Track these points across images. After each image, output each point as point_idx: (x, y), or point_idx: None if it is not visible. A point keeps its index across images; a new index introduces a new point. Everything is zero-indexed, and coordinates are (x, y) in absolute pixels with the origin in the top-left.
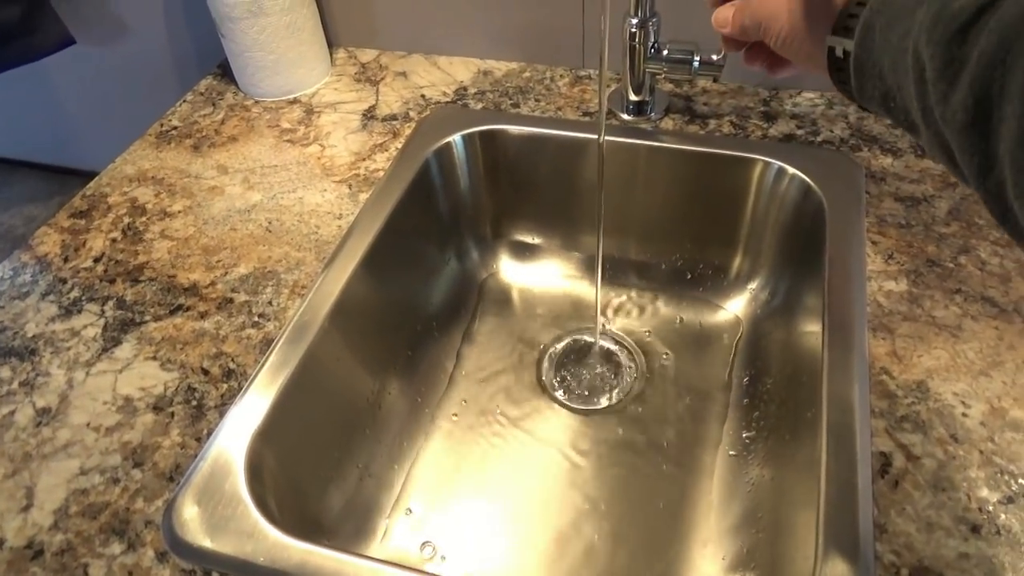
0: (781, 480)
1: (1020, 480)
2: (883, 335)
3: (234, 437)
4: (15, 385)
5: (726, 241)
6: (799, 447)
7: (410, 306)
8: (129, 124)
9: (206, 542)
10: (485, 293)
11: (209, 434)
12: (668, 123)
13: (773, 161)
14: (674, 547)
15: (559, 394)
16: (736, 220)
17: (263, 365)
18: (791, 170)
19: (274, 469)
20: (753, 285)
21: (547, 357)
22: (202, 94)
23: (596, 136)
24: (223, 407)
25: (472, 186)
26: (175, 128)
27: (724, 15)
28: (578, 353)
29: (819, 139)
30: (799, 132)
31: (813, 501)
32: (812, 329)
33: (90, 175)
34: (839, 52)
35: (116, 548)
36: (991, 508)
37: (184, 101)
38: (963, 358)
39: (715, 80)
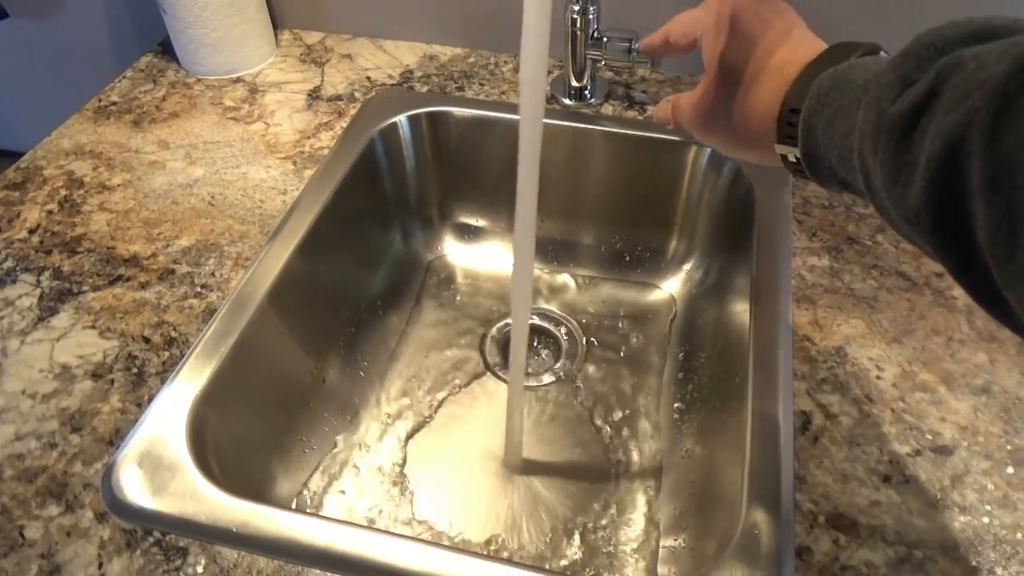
0: (712, 447)
1: (927, 435)
2: (806, 306)
3: (176, 402)
4: None
5: (663, 224)
6: (728, 414)
7: (355, 282)
8: (62, 105)
9: (147, 502)
10: (431, 274)
11: (150, 400)
12: (608, 108)
13: (705, 147)
14: (613, 516)
15: (502, 371)
16: (672, 203)
17: (206, 333)
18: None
19: (216, 436)
20: (688, 266)
21: (490, 336)
22: (142, 71)
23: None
24: (165, 374)
25: (418, 167)
26: (114, 103)
27: (664, 113)
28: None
29: None
30: None
31: (740, 463)
32: (742, 306)
33: (20, 156)
34: (791, 158)
35: (54, 510)
36: (900, 460)
37: (124, 77)
38: (878, 327)
39: (652, 68)
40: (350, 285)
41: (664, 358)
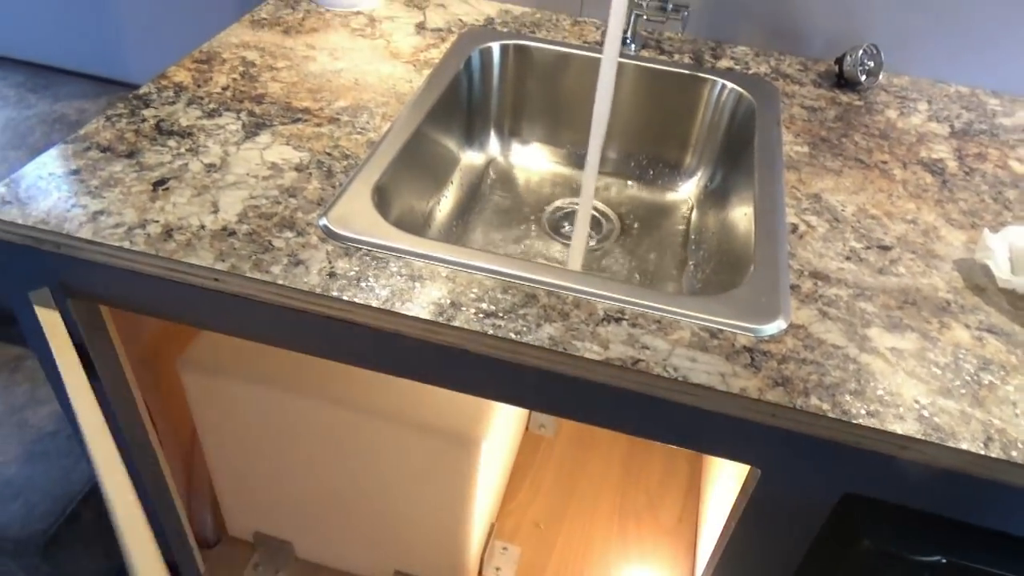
0: (722, 270)
1: (875, 240)
2: (793, 171)
3: (362, 183)
4: (183, 150)
5: (680, 144)
6: (734, 243)
7: (451, 155)
8: (179, 43)
9: (354, 235)
10: (495, 169)
11: (341, 185)
12: (644, 53)
13: (718, 80)
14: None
15: (556, 237)
16: (689, 128)
17: (376, 149)
18: (730, 86)
19: (388, 208)
20: (699, 175)
21: (547, 212)
22: (280, 0)
23: (598, 56)
24: (347, 173)
25: (501, 85)
26: (264, 19)
27: None
28: (569, 214)
29: (750, 72)
30: (736, 67)
31: (747, 266)
32: (745, 194)
33: (136, 87)
34: None
35: (289, 234)
36: (857, 251)
37: (267, 2)
38: (843, 185)
39: (683, 25)
40: (449, 156)
41: (683, 237)
